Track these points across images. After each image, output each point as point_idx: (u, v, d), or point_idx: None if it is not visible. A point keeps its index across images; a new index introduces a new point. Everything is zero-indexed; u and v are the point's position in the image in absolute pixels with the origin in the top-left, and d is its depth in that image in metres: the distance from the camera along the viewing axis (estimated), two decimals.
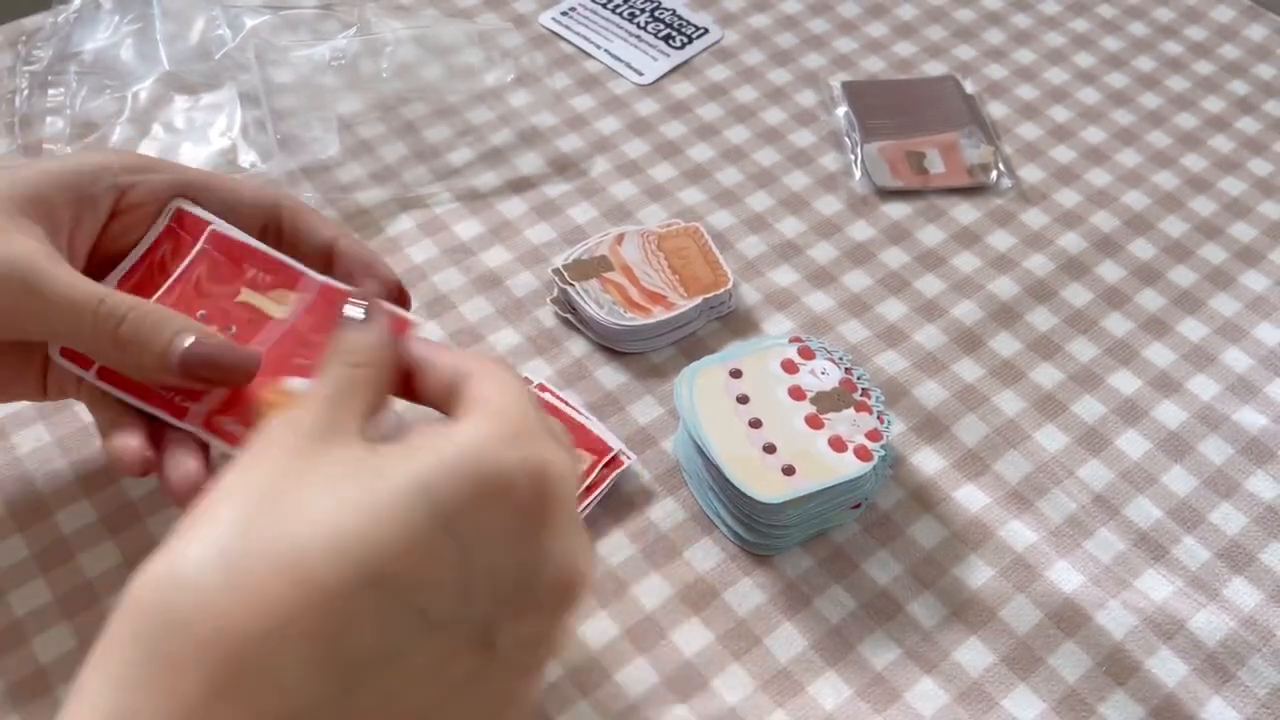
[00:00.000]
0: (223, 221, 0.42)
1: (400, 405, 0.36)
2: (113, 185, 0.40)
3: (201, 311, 0.41)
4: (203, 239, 0.42)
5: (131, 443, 0.39)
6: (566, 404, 0.48)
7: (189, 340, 0.37)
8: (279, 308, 0.41)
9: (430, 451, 0.28)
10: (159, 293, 0.41)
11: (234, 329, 0.41)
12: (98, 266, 0.41)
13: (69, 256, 0.39)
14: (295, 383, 0.39)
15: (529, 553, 0.28)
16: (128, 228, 0.42)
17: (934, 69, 0.67)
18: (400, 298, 0.44)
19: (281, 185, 0.57)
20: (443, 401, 0.33)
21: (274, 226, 0.43)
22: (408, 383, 0.34)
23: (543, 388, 0.49)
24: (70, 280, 0.37)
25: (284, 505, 0.27)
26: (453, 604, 0.27)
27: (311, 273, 0.41)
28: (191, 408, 0.39)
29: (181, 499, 0.38)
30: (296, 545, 0.26)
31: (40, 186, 0.39)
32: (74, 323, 0.37)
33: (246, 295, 0.42)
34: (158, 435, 0.40)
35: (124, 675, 0.25)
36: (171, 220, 0.42)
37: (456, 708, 0.28)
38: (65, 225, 0.39)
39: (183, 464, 0.38)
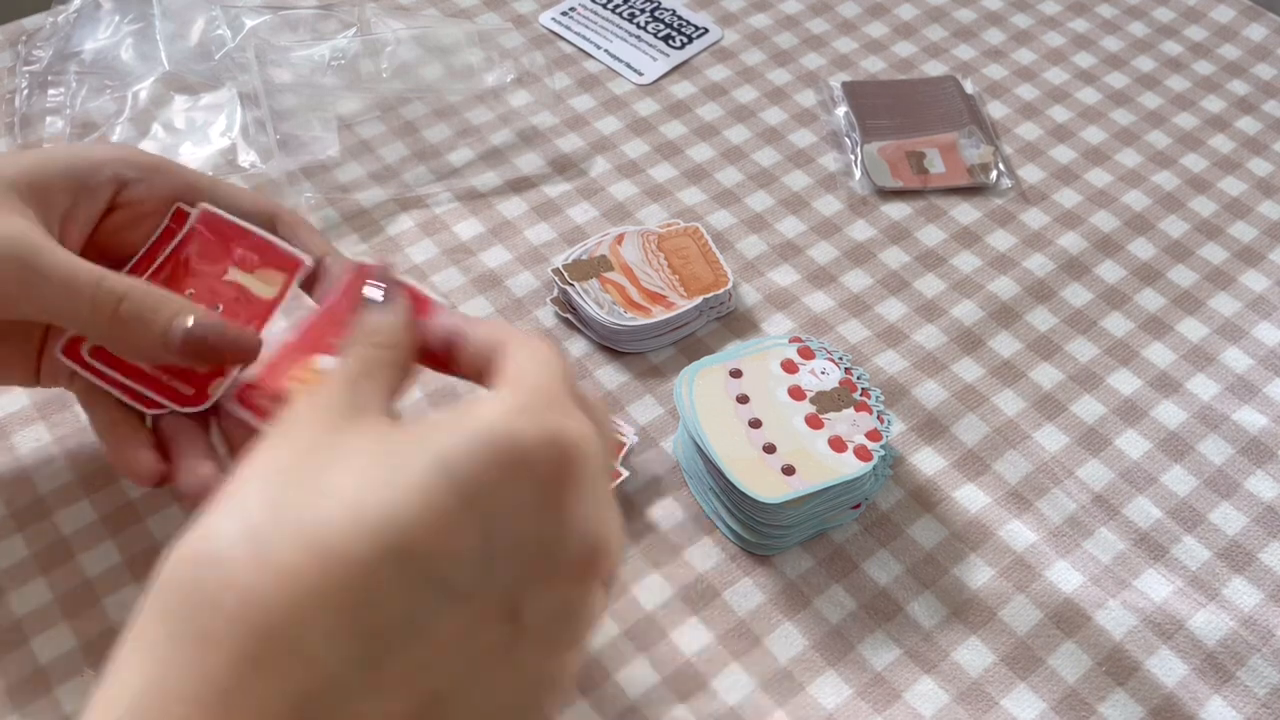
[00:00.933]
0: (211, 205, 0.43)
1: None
2: (113, 177, 0.41)
3: (190, 290, 0.42)
4: (193, 218, 0.42)
5: (143, 456, 0.39)
6: None
7: (190, 320, 0.37)
8: (266, 288, 0.42)
9: (452, 427, 0.28)
10: (149, 271, 0.42)
11: (220, 307, 0.41)
12: (94, 259, 0.41)
13: (62, 241, 0.39)
14: (326, 361, 0.39)
15: (550, 523, 0.28)
16: (127, 223, 0.42)
17: (934, 69, 0.67)
18: None
19: (281, 185, 0.57)
20: (478, 375, 0.34)
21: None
22: (444, 357, 0.34)
23: None
24: (68, 259, 0.38)
25: (309, 482, 0.27)
26: (475, 574, 0.27)
27: (343, 255, 0.42)
28: (214, 384, 0.40)
29: (197, 503, 0.38)
30: (321, 520, 0.26)
31: (37, 169, 0.39)
32: (72, 301, 0.37)
33: (234, 274, 0.42)
34: (164, 443, 0.40)
35: (155, 652, 0.26)
36: (170, 220, 0.43)
37: (487, 680, 0.28)
38: (59, 209, 0.39)
39: (196, 470, 0.39)
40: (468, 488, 0.27)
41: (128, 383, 0.40)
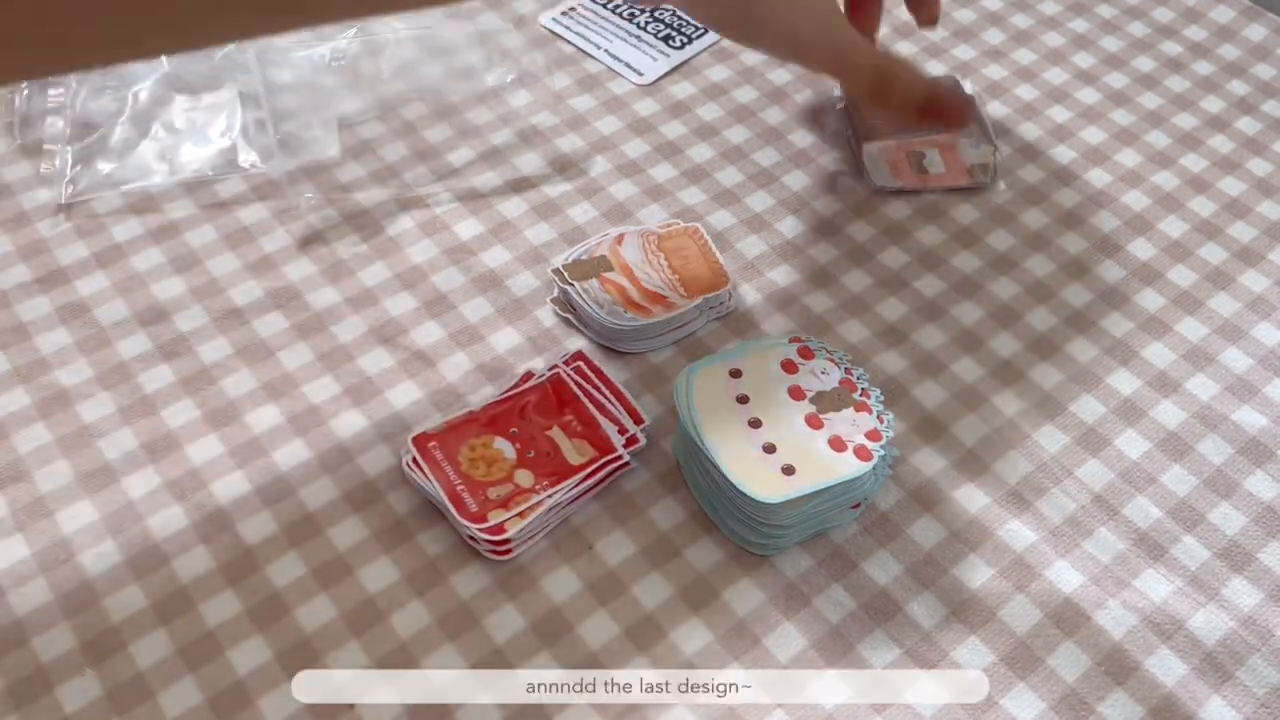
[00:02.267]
0: (568, 369, 0.49)
1: None
2: None
3: (514, 429, 0.47)
4: (545, 376, 0.49)
5: None
6: (598, 389, 0.49)
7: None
8: (576, 455, 0.46)
9: None
10: (497, 402, 0.48)
11: (532, 454, 0.46)
12: None
13: None
14: (501, 443, 0.46)
15: None
16: None
17: (934, 69, 0.67)
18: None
19: (282, 185, 0.57)
20: None
21: None
22: None
23: (581, 357, 0.50)
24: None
25: None
26: None
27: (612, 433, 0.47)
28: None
29: None
30: None
31: None
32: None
33: (555, 433, 0.46)
34: None
35: None
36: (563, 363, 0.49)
37: None
38: None
39: None
40: None
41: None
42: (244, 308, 0.53)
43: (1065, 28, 0.70)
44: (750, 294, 0.55)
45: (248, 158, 0.58)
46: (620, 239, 0.54)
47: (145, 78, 0.61)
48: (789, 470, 0.44)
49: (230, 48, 0.61)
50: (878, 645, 0.43)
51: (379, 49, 0.62)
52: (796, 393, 0.46)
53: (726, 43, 0.68)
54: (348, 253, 0.55)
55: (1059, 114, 0.65)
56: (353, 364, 0.51)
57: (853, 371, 0.47)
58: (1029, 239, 0.58)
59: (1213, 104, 0.65)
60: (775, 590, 0.45)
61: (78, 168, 0.58)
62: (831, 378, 0.47)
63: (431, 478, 0.45)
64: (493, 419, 0.47)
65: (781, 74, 0.66)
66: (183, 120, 0.60)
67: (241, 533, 0.45)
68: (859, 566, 0.45)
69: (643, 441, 0.47)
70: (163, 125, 0.60)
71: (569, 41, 0.67)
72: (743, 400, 0.46)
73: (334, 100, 0.60)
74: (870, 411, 0.46)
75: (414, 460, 0.46)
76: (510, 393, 0.48)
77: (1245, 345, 0.54)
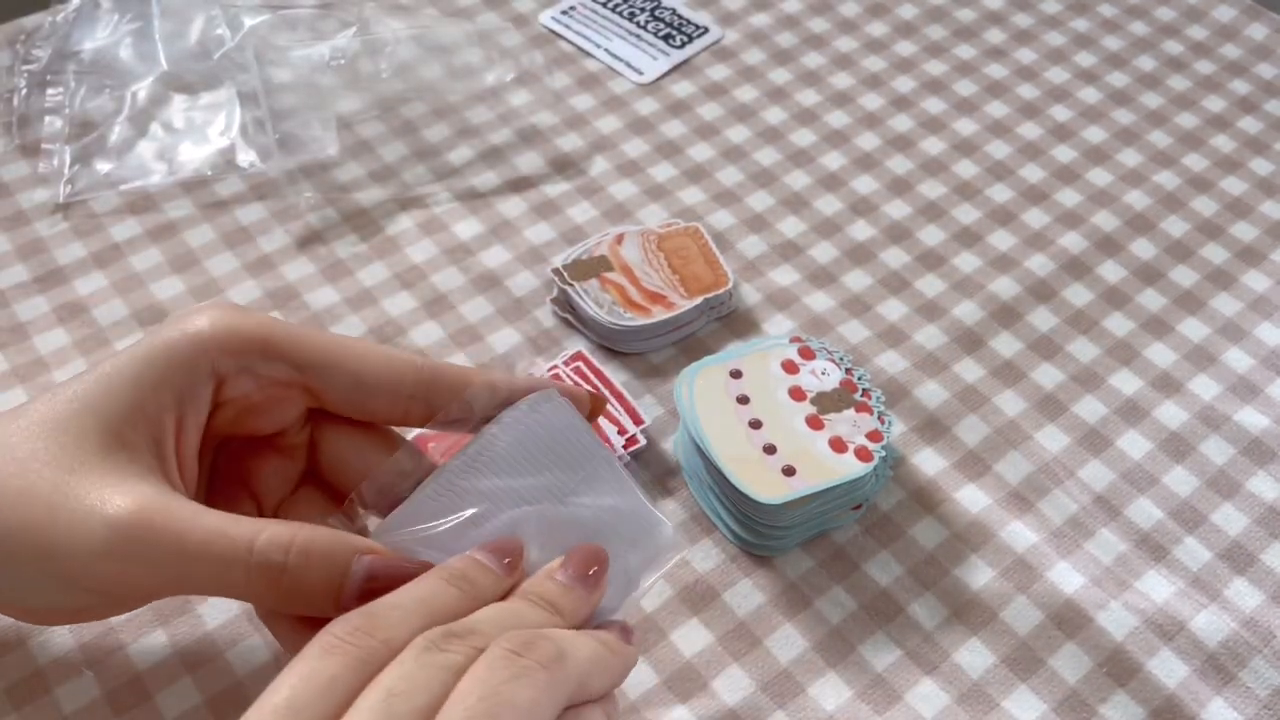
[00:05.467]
0: (567, 370, 0.46)
1: None
2: (210, 373, 0.35)
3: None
4: (545, 377, 0.43)
5: None
6: (598, 389, 0.48)
7: (365, 563, 0.33)
8: None
9: None
10: None
11: None
12: (215, 454, 0.37)
13: (180, 462, 0.35)
14: None
15: None
16: (243, 415, 0.36)
17: (935, 68, 0.67)
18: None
19: (281, 185, 0.57)
20: None
21: (420, 401, 0.37)
22: None
23: (581, 357, 0.50)
24: (206, 525, 0.32)
25: None
26: None
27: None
28: None
29: None
30: None
31: (137, 397, 0.34)
32: (222, 576, 0.32)
33: None
34: None
35: None
36: None
37: None
38: (170, 432, 0.34)
39: None
40: None
41: None
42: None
43: (1066, 27, 0.70)
44: (751, 294, 0.55)
45: (246, 157, 0.58)
46: (620, 239, 0.54)
47: (143, 77, 0.60)
48: (790, 471, 0.44)
49: (229, 46, 0.60)
50: (879, 646, 0.43)
51: (378, 48, 0.62)
52: (797, 393, 0.46)
53: (727, 41, 0.68)
54: (346, 252, 0.55)
55: (1060, 113, 0.65)
56: None
57: (853, 372, 0.47)
58: (1030, 239, 0.58)
59: (1214, 103, 0.65)
60: (776, 591, 0.44)
61: (76, 167, 0.57)
62: (832, 378, 0.47)
63: None
64: None
65: (782, 73, 0.66)
66: (181, 120, 0.60)
67: None
68: (860, 568, 0.45)
69: (643, 442, 0.47)
70: (161, 125, 0.59)
71: (568, 40, 0.67)
72: (743, 401, 0.46)
73: (333, 99, 0.60)
74: (871, 412, 0.46)
75: None
76: None
77: (1247, 345, 0.53)
